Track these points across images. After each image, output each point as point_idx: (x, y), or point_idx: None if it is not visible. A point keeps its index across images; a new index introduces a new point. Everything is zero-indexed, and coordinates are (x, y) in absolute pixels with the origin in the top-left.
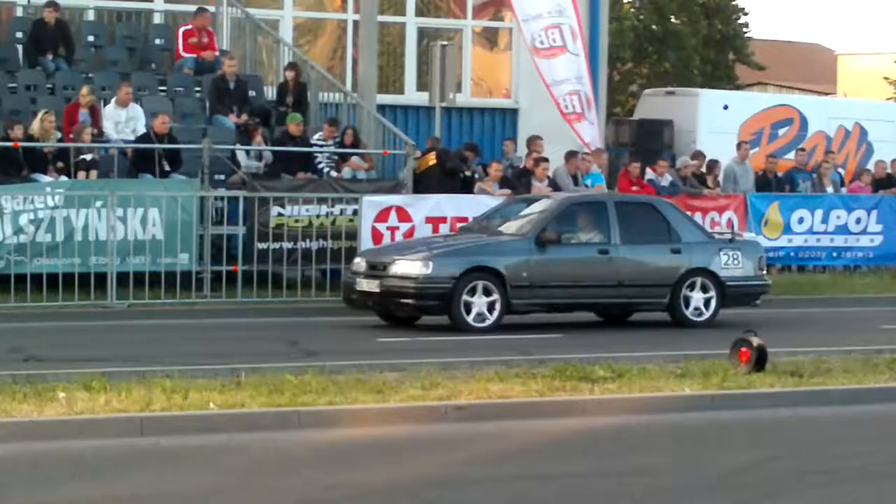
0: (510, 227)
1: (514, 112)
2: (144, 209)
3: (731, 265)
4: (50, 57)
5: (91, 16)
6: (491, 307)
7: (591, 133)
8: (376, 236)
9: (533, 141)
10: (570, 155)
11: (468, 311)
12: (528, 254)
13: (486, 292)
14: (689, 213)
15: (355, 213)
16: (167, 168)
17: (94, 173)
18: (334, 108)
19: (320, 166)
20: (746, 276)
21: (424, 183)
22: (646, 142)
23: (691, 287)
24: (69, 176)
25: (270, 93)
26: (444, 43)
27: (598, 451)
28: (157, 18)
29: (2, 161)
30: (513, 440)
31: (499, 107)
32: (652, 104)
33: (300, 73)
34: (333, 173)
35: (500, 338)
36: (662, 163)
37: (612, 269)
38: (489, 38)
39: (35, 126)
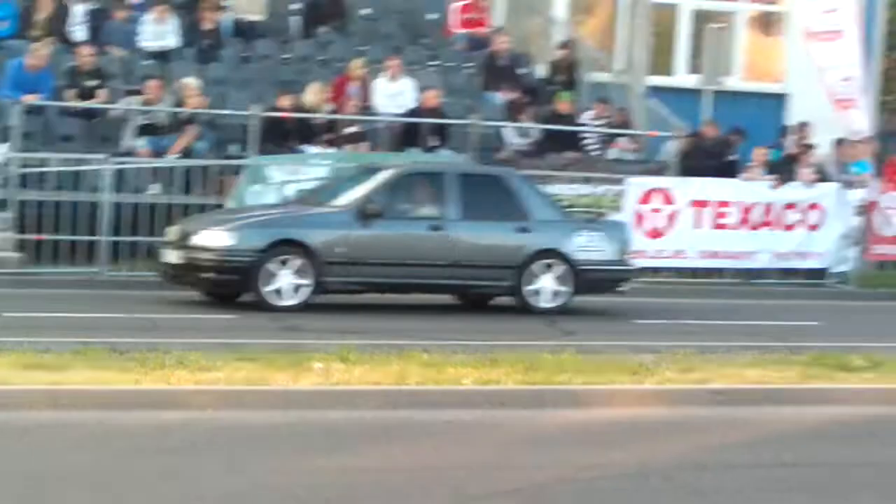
0: (340, 198)
1: (783, 98)
2: None
3: (588, 247)
4: (324, 29)
5: None
6: (300, 283)
7: (862, 120)
8: (639, 218)
9: (801, 127)
10: (839, 142)
11: (274, 289)
12: (348, 228)
13: (293, 268)
14: None
15: (620, 194)
16: (434, 143)
17: (363, 146)
18: (604, 89)
19: (588, 146)
20: (606, 261)
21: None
22: None
23: (539, 270)
24: (338, 148)
25: (541, 71)
26: (718, 26)
27: (853, 441)
28: None
29: (272, 131)
30: (767, 427)
31: (769, 92)
32: None
33: (572, 51)
34: (600, 153)
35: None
36: None
37: (446, 248)
38: (762, 23)
39: (309, 97)
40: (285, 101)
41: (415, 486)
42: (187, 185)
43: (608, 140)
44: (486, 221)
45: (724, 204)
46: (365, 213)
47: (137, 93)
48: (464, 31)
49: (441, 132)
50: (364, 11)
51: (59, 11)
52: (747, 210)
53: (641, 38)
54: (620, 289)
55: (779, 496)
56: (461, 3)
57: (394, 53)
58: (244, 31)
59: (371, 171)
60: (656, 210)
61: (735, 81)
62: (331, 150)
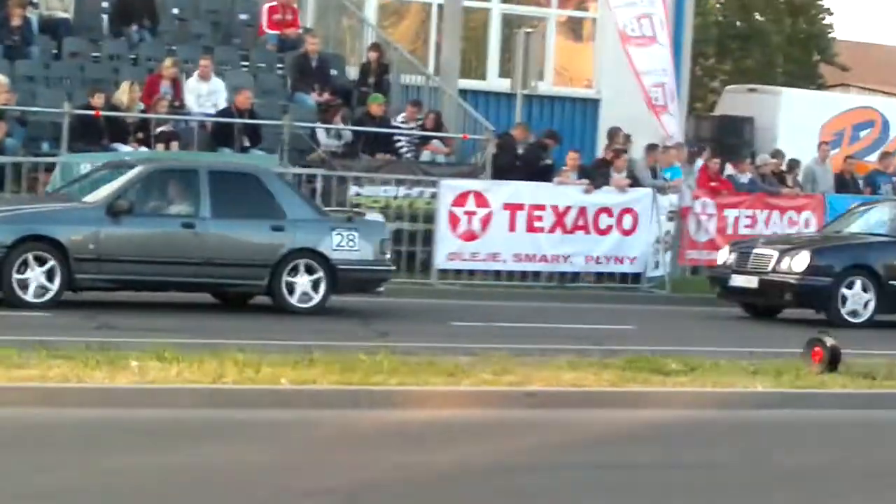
0: (94, 194)
1: (595, 102)
2: None
3: (344, 246)
4: (134, 28)
5: None
6: (51, 280)
7: (673, 126)
8: (453, 220)
9: (613, 132)
10: (651, 148)
11: (23, 286)
12: (98, 224)
13: (43, 264)
14: (766, 211)
15: (433, 196)
16: (247, 143)
17: (174, 145)
18: (416, 91)
19: (400, 148)
20: (363, 260)
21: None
22: (726, 138)
23: (295, 269)
24: (149, 147)
25: (352, 73)
26: (529, 30)
27: (667, 443)
28: None
29: (84, 129)
30: (583, 429)
31: (580, 97)
32: (733, 101)
33: (383, 54)
34: (412, 156)
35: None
36: (746, 161)
37: (197, 245)
38: (573, 28)
39: (121, 96)
40: (97, 99)
41: (233, 484)
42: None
43: (421, 143)
44: (239, 219)
45: (538, 207)
46: (114, 210)
47: None
48: (274, 31)
49: (254, 133)
50: (175, 10)
51: None
52: (561, 214)
53: (452, 42)
54: (379, 289)
55: (592, 497)
56: (271, 4)
57: (205, 53)
58: (53, 27)
59: (126, 167)
60: (470, 213)
61: (547, 86)
62: (143, 149)
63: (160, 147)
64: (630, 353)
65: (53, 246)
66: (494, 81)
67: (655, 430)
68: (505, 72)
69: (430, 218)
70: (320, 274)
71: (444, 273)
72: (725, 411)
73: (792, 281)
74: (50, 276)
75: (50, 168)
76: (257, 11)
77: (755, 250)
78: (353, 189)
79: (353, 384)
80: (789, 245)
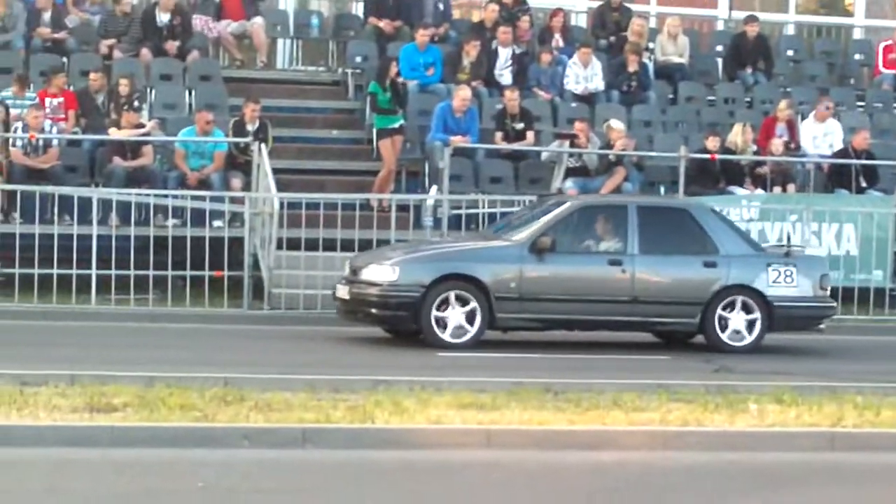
0: (519, 232)
1: None
2: (840, 224)
3: (781, 282)
4: (749, 70)
5: (791, 30)
6: (471, 320)
7: None
8: None
9: None
10: None
11: (442, 325)
12: (521, 262)
13: (465, 304)
14: None
15: None
16: (863, 184)
17: (790, 187)
18: None
19: None
20: (802, 297)
21: None
22: None
23: (729, 307)
24: (765, 189)
25: None
26: None
27: None
28: (858, 34)
29: (700, 173)
30: None
31: None
32: None
33: None
34: None
35: None
36: None
37: (625, 283)
38: None
39: (734, 138)
40: (712, 142)
41: None
42: None
43: None
44: (669, 255)
45: None
46: (537, 247)
47: (568, 136)
48: (891, 71)
49: (871, 173)
50: (789, 52)
51: (484, 56)
52: None
53: None
54: (820, 327)
55: None
56: (886, 43)
57: (820, 94)
58: (668, 73)
59: (555, 205)
60: None
61: None
62: (759, 192)
63: (776, 190)
64: None
65: (474, 285)
66: None
67: None
68: None
69: None
70: (756, 312)
71: None
72: None
73: None
74: (470, 315)
75: None
76: (873, 51)
77: None
78: None
79: None
80: None
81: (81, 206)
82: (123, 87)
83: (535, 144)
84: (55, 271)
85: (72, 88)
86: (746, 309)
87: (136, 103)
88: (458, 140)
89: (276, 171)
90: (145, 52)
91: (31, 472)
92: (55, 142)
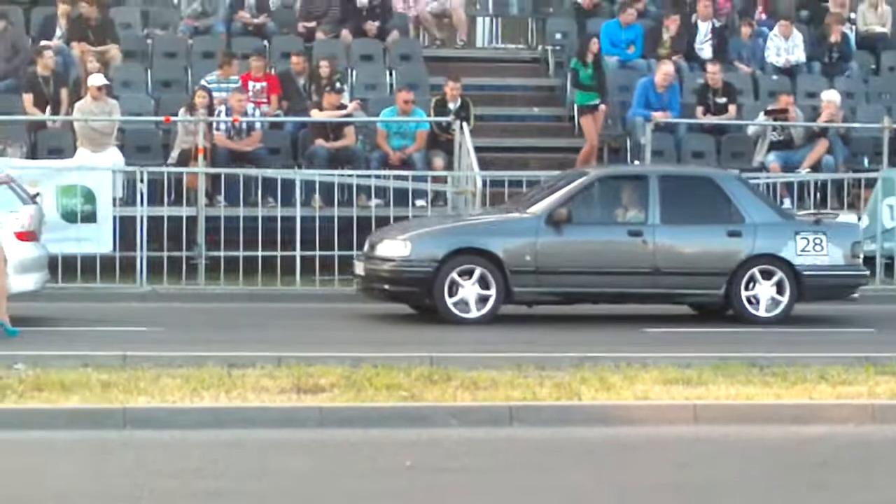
0: (529, 205)
1: None
2: None
3: (810, 251)
4: None
5: None
6: (486, 295)
7: None
8: None
9: None
10: None
11: (460, 300)
12: (536, 234)
13: (478, 278)
14: None
15: None
16: None
17: None
18: None
19: None
20: (832, 265)
21: None
22: None
23: (756, 277)
24: None
25: None
26: None
27: None
28: None
29: None
30: None
31: None
32: None
33: None
34: None
35: None
36: None
37: (645, 254)
38: None
39: None
40: None
41: None
42: (822, 199)
43: None
44: (692, 225)
45: None
46: (553, 219)
47: (776, 111)
48: None
49: None
50: None
51: (684, 30)
52: None
53: None
54: (853, 296)
55: None
56: None
57: None
58: (871, 43)
59: (576, 176)
60: None
61: None
62: None
63: None
64: None
65: (488, 258)
66: None
67: None
68: None
69: None
70: (784, 282)
71: None
72: None
73: None
74: (485, 289)
75: (870, 184)
76: None
77: None
78: None
79: None
80: None
81: (285, 188)
82: (324, 68)
83: (738, 118)
84: (260, 253)
85: (273, 71)
86: (773, 279)
87: (337, 84)
88: (659, 115)
89: (477, 149)
90: (345, 34)
91: (241, 454)
92: (258, 125)
